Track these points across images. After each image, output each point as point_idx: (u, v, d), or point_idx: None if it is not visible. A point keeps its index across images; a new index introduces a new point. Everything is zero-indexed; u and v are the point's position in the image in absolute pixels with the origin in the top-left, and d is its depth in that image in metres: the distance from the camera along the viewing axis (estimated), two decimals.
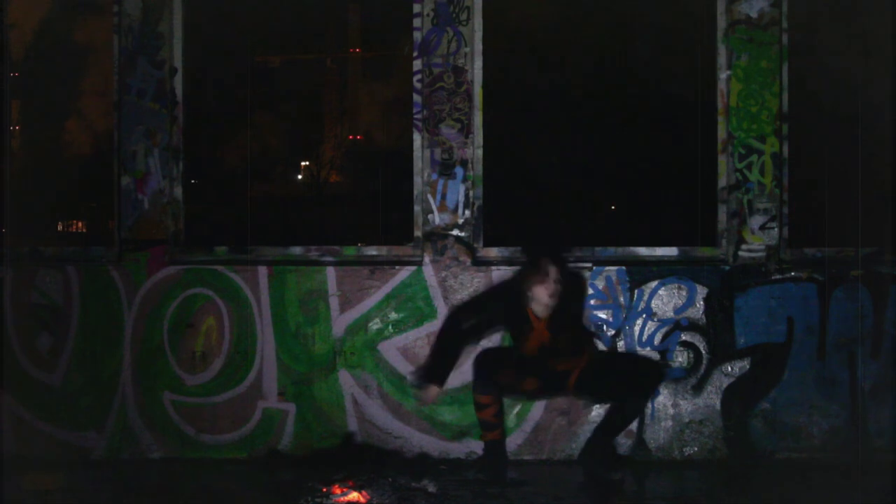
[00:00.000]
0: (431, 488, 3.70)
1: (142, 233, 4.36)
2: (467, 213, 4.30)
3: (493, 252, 4.35)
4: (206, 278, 4.32)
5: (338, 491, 3.69)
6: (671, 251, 4.35)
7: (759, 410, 4.20)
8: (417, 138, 4.35)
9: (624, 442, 4.19)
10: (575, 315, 3.97)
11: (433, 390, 3.85)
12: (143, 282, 4.33)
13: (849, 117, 4.35)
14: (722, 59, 4.32)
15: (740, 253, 4.24)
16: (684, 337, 4.23)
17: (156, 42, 4.38)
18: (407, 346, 4.27)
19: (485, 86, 4.36)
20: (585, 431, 4.18)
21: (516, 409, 4.23)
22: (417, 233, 4.34)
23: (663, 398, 4.23)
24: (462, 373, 4.22)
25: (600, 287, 4.24)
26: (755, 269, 4.23)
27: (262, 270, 4.31)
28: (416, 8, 4.33)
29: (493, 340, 4.15)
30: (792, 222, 4.28)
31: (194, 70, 4.49)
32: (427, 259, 4.29)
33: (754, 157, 4.24)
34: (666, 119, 4.53)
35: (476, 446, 4.22)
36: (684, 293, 4.24)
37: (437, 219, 4.30)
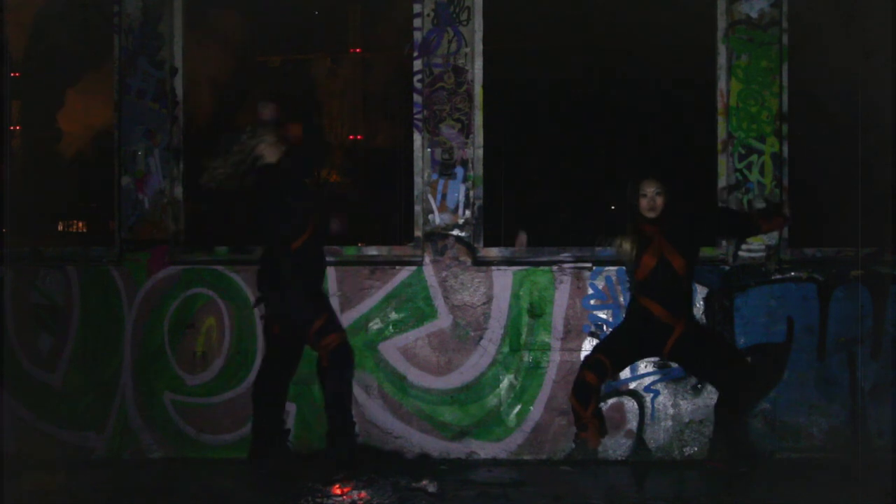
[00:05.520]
0: (431, 488, 3.70)
1: (142, 233, 4.36)
2: (467, 213, 4.30)
3: (494, 252, 4.35)
4: (207, 278, 4.31)
5: (338, 491, 3.69)
6: None
7: (759, 410, 4.20)
8: (418, 138, 4.35)
9: (624, 442, 4.20)
10: None
11: None
12: (143, 282, 4.33)
13: (849, 117, 4.35)
14: (722, 59, 4.32)
15: (740, 253, 4.24)
16: None
17: (156, 42, 4.38)
18: (407, 347, 4.27)
19: (485, 86, 4.36)
20: None
21: (516, 410, 4.23)
22: (418, 233, 4.34)
23: (663, 398, 4.23)
24: (461, 373, 4.23)
25: (600, 287, 4.24)
26: (755, 269, 4.22)
27: None
28: (417, 8, 4.32)
29: None
30: (792, 222, 4.28)
31: (194, 70, 4.49)
32: (427, 259, 4.29)
33: (754, 158, 4.24)
34: (666, 119, 4.53)
35: (476, 446, 4.22)
36: None
37: (437, 219, 4.30)
